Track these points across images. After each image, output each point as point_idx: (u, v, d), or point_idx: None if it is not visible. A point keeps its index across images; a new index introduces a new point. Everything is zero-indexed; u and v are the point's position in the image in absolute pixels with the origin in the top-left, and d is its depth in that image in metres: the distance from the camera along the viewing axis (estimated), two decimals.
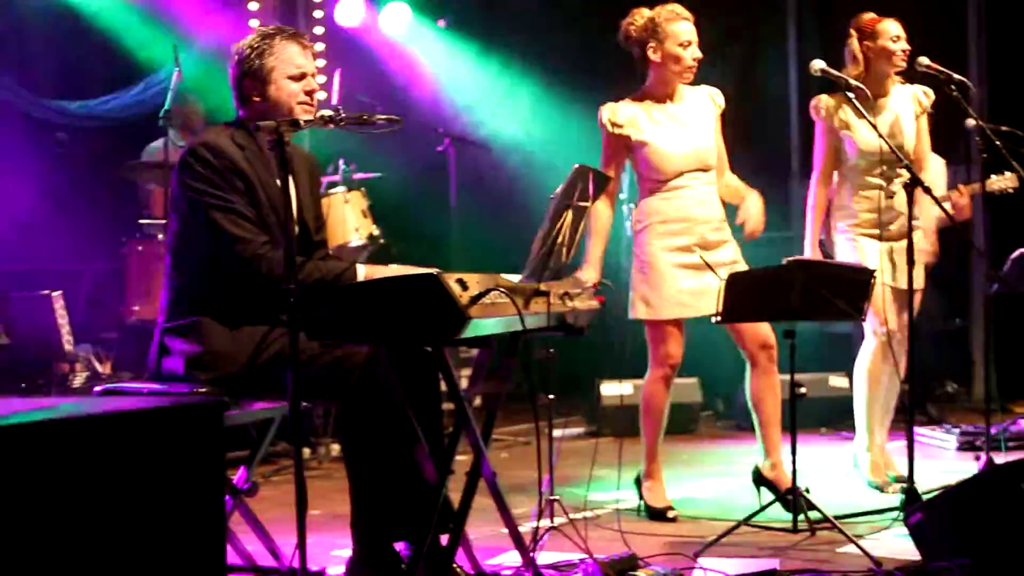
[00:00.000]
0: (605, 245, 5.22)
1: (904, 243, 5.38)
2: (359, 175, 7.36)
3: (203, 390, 3.65)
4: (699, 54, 5.15)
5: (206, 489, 2.82)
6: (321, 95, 6.54)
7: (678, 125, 5.17)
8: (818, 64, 5.00)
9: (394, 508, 3.72)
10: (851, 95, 5.00)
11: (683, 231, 5.12)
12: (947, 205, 5.59)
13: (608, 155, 5.20)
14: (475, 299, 3.37)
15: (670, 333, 5.15)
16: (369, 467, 3.70)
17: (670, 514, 5.12)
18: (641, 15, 5.18)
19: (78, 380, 6.74)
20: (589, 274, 5.03)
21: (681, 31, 5.11)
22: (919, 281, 5.53)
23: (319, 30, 8.56)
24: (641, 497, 5.24)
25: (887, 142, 4.95)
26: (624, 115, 5.13)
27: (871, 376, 5.66)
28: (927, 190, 4.81)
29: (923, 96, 5.67)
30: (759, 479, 5.15)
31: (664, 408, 5.25)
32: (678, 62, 5.11)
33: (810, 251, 5.62)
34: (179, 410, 2.76)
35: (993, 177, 6.22)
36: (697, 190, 5.15)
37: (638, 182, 5.26)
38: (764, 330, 5.13)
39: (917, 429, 7.00)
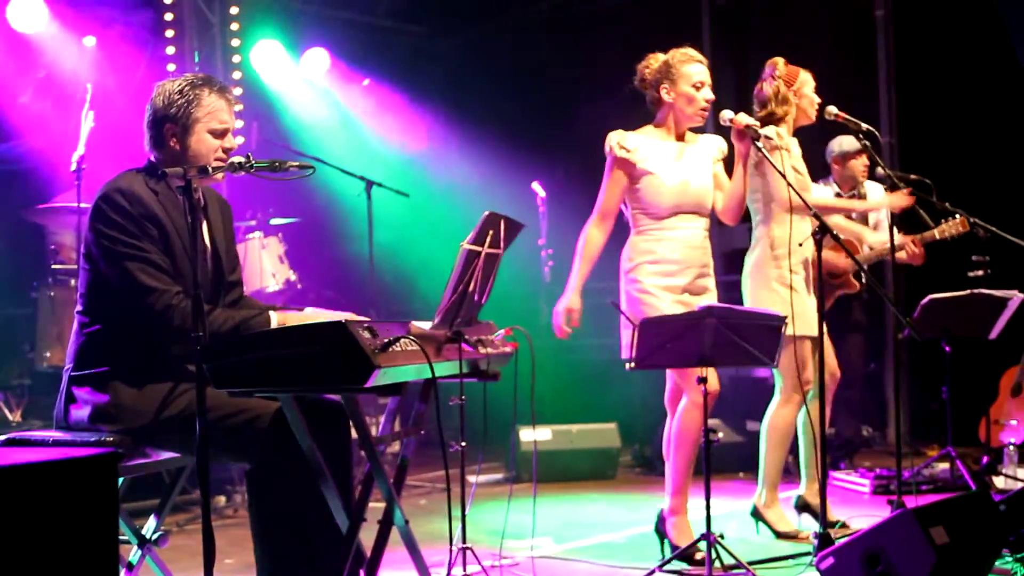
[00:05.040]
0: (590, 271, 5.13)
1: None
2: (276, 220, 7.32)
3: (110, 439, 3.59)
4: (712, 96, 5.14)
5: (97, 543, 2.75)
6: (239, 139, 6.50)
7: (682, 164, 5.13)
8: (727, 114, 4.98)
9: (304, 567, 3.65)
10: (760, 145, 4.99)
11: (676, 272, 5.06)
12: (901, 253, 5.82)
13: (611, 181, 5.13)
14: (385, 347, 3.35)
15: None
16: (278, 529, 3.64)
17: (698, 556, 4.91)
18: (656, 58, 5.20)
19: None
20: (573, 300, 5.02)
21: (694, 72, 5.12)
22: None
23: (237, 75, 8.54)
24: (665, 537, 5.12)
25: (793, 188, 4.99)
26: (632, 142, 5.10)
27: (786, 434, 5.60)
28: (835, 237, 4.84)
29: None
30: (661, 531, 5.16)
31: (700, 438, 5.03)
32: (691, 103, 5.11)
33: None
34: (67, 464, 2.68)
35: (943, 224, 6.36)
36: (690, 233, 5.10)
37: (631, 219, 5.17)
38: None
39: (833, 473, 7.13)
